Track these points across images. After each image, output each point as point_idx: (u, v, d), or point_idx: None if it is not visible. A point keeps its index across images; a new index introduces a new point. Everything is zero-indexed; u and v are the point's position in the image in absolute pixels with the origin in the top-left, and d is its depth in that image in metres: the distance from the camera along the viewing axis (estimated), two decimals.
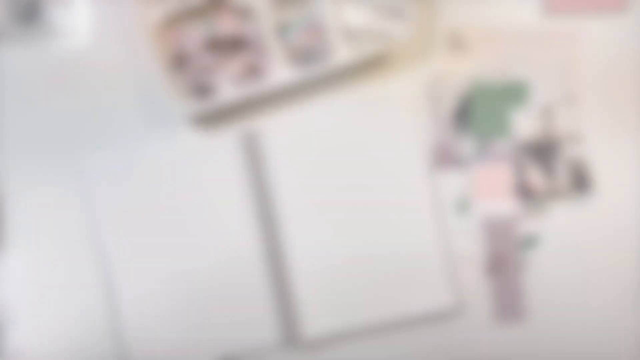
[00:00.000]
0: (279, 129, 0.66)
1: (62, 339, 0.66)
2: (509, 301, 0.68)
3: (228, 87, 0.64)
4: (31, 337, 0.66)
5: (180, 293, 0.66)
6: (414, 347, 0.68)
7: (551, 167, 0.68)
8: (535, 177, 0.68)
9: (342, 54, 0.64)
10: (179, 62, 0.63)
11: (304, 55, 0.64)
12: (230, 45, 0.65)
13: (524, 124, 0.68)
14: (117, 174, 0.65)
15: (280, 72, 0.64)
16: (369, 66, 0.66)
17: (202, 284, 0.66)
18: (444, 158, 0.68)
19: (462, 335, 0.68)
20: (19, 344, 0.66)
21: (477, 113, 0.68)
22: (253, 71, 0.64)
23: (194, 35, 0.64)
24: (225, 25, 0.65)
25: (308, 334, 0.66)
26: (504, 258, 0.68)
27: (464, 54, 0.68)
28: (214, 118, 0.66)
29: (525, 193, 0.68)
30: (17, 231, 0.66)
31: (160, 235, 0.66)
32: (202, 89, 0.64)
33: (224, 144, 0.66)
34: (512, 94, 0.68)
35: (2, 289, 0.66)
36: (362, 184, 0.67)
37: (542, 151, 0.68)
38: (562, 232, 0.68)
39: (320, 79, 0.65)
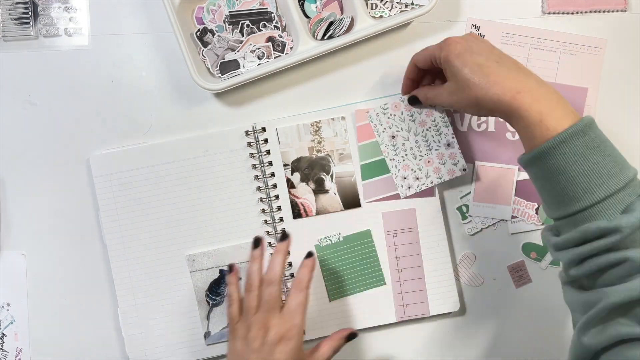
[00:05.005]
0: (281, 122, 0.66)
1: (63, 338, 0.66)
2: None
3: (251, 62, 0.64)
4: (31, 337, 0.66)
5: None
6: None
7: None
8: None
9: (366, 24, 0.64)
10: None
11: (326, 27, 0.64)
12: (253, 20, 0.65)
13: None
14: (116, 172, 0.65)
15: (305, 44, 0.64)
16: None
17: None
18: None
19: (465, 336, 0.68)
20: (19, 344, 0.66)
21: None
22: (276, 45, 0.64)
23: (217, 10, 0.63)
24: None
25: None
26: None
27: None
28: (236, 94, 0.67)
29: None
30: (17, 231, 0.66)
31: (162, 228, 0.66)
32: (225, 65, 0.64)
33: (229, 136, 0.66)
34: None
35: (2, 288, 0.66)
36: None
37: None
38: None
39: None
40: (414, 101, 0.63)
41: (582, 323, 0.47)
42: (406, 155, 0.64)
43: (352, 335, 0.61)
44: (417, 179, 0.64)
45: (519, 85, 0.50)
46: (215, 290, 0.65)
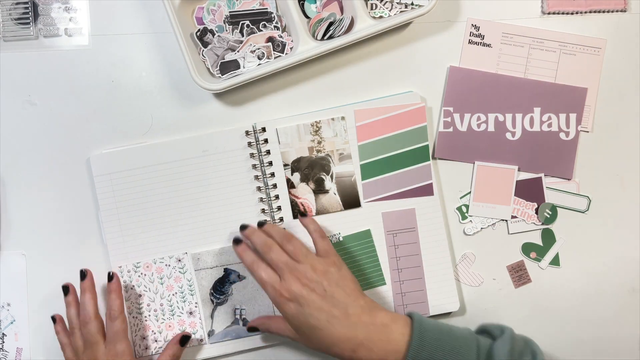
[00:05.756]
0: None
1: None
2: None
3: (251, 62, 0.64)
4: (31, 337, 0.66)
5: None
6: None
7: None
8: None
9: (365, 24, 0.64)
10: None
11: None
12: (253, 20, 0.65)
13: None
14: (116, 172, 0.65)
15: (305, 44, 0.64)
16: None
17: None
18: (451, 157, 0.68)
19: None
20: (19, 344, 0.66)
21: None
22: (276, 45, 0.64)
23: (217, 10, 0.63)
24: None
25: None
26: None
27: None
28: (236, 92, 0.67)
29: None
30: (17, 231, 0.66)
31: (162, 228, 0.66)
32: (225, 65, 0.64)
33: (229, 136, 0.66)
34: None
35: (2, 288, 0.66)
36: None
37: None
38: (570, 232, 0.69)
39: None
40: (252, 330, 0.64)
41: None
42: (149, 315, 0.65)
43: (184, 339, 0.63)
44: (156, 341, 0.65)
45: (351, 343, 0.55)
46: (220, 289, 0.66)
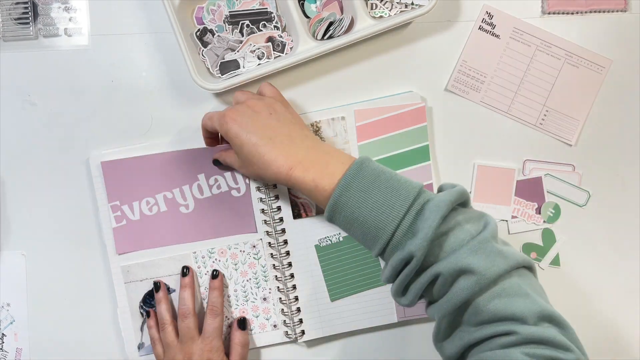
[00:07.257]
0: None
1: (63, 338, 0.66)
2: None
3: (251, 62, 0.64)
4: (31, 337, 0.66)
5: None
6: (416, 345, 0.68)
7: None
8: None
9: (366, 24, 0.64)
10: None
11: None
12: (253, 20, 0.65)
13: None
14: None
15: (305, 44, 0.64)
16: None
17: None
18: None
19: None
20: (19, 344, 0.66)
21: None
22: (276, 45, 0.63)
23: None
24: None
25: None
26: None
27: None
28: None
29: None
30: (17, 231, 0.66)
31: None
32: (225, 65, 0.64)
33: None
34: None
35: (2, 288, 0.66)
36: None
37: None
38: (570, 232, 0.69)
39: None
40: (216, 163, 0.64)
41: (434, 336, 0.53)
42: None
43: (241, 322, 0.64)
44: (229, 326, 0.65)
45: (290, 161, 0.54)
46: (149, 301, 0.65)
